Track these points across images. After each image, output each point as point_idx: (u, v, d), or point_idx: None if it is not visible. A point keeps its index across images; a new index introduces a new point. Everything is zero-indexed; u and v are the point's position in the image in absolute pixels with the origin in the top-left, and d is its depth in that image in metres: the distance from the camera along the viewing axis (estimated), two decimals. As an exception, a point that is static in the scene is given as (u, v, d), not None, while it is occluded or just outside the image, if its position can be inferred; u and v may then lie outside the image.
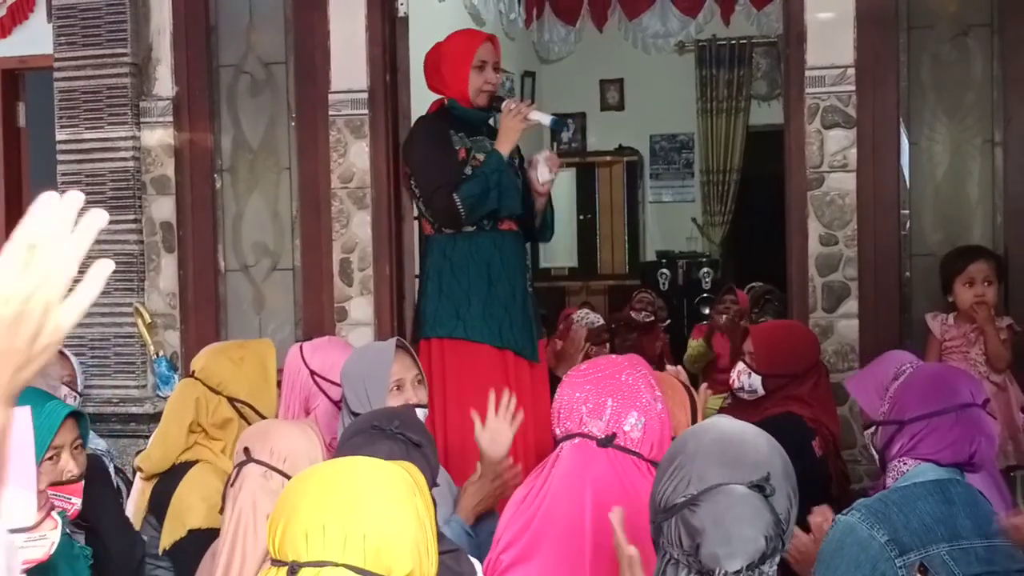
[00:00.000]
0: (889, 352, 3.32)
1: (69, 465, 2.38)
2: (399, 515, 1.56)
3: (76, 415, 2.45)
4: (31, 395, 2.14)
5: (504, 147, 3.87)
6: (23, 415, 1.79)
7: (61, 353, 4.26)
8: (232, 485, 2.41)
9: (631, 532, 1.87)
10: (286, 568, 1.53)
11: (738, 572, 1.64)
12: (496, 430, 2.83)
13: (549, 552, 2.13)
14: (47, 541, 2.08)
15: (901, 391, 2.57)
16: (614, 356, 2.45)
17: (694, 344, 6.52)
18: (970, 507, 2.33)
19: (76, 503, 2.40)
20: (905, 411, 2.48)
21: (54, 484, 2.36)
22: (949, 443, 2.40)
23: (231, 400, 3.07)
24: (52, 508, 2.16)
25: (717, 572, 1.65)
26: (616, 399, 2.23)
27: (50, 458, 2.35)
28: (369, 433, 2.28)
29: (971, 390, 2.50)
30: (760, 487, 1.67)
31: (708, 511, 1.66)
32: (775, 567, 1.71)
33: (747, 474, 1.68)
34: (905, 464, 2.46)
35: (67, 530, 2.52)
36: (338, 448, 2.32)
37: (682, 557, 1.68)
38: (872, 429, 2.73)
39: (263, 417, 3.00)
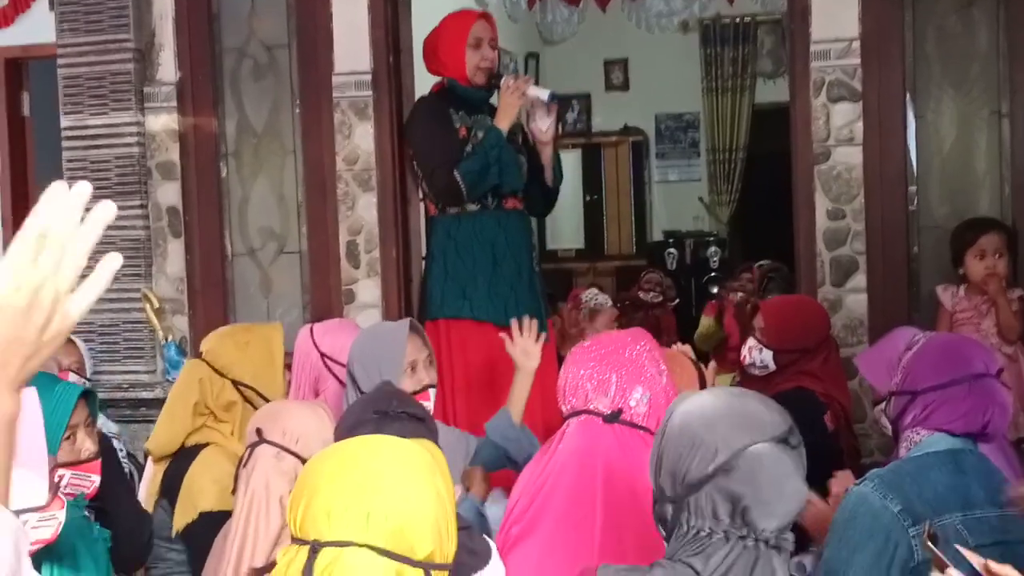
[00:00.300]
0: (897, 329, 3.30)
1: (86, 444, 2.41)
2: (421, 495, 1.55)
3: (85, 395, 2.46)
4: (39, 378, 2.14)
5: (503, 123, 3.87)
6: (30, 395, 1.80)
7: (68, 339, 4.26)
8: (245, 466, 2.42)
9: (641, 509, 1.85)
10: (307, 547, 1.52)
11: (781, 527, 1.65)
12: (525, 345, 3.14)
13: (556, 524, 2.13)
14: (56, 521, 2.09)
15: (914, 361, 2.55)
16: (618, 331, 2.45)
17: (705, 322, 6.50)
18: (983, 477, 2.33)
19: (96, 480, 2.44)
20: (918, 381, 2.47)
21: (72, 463, 2.38)
22: (962, 413, 2.39)
23: (235, 383, 3.07)
24: (59, 488, 2.17)
25: (766, 531, 1.64)
26: (621, 374, 2.23)
27: (67, 438, 2.37)
28: (373, 420, 2.27)
29: (984, 360, 2.48)
30: (785, 440, 1.68)
31: (747, 473, 1.66)
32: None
33: (769, 432, 1.69)
34: (918, 434, 2.45)
35: (85, 512, 2.55)
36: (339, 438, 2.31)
37: (716, 527, 1.67)
38: (883, 404, 2.72)
39: (268, 401, 3.00)
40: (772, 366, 3.64)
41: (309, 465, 1.63)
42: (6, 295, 1.06)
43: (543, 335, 3.21)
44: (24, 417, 1.62)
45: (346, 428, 2.24)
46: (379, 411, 2.30)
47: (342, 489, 1.53)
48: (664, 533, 1.77)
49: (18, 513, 1.63)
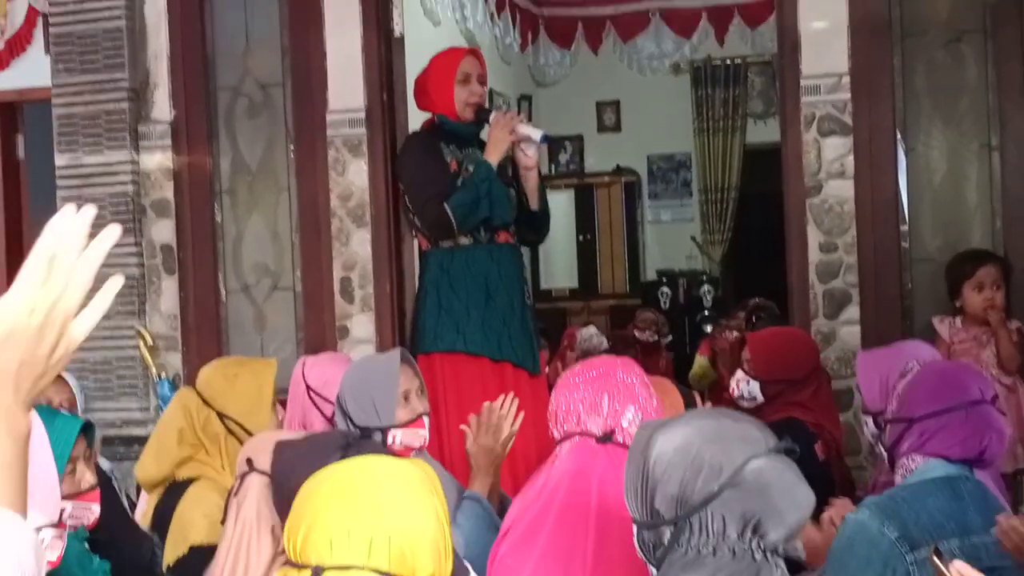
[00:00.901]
0: (906, 342, 3.31)
1: (86, 475, 2.42)
2: (421, 516, 1.56)
3: (84, 427, 2.47)
4: (41, 412, 2.17)
5: (492, 157, 3.89)
6: (32, 417, 1.81)
7: (59, 376, 4.25)
8: (236, 495, 2.40)
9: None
10: (309, 571, 1.52)
11: (789, 537, 1.64)
12: (496, 426, 2.80)
13: (549, 545, 2.12)
14: (61, 543, 2.12)
15: (910, 388, 2.56)
16: (607, 356, 2.45)
17: (699, 361, 6.51)
18: (980, 502, 2.32)
19: (96, 510, 2.45)
20: (914, 408, 2.47)
21: (73, 495, 2.38)
22: (959, 440, 2.39)
23: (220, 415, 3.05)
24: (61, 519, 2.17)
25: (780, 541, 1.64)
26: (612, 395, 2.23)
27: (68, 471, 2.38)
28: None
29: (980, 387, 2.49)
30: (781, 451, 1.68)
31: (757, 487, 1.64)
32: None
33: (763, 445, 1.68)
34: (913, 461, 2.45)
35: (85, 545, 2.54)
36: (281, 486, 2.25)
37: (723, 544, 1.64)
38: (869, 419, 2.72)
39: (252, 436, 2.98)
40: (760, 398, 3.64)
41: (305, 489, 1.62)
42: (20, 317, 1.09)
43: (519, 418, 2.87)
44: (32, 437, 1.67)
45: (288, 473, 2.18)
46: (342, 447, 2.28)
47: (343, 514, 1.53)
48: (651, 558, 1.73)
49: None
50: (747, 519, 1.64)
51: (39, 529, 1.94)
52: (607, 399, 2.22)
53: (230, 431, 3.02)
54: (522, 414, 2.86)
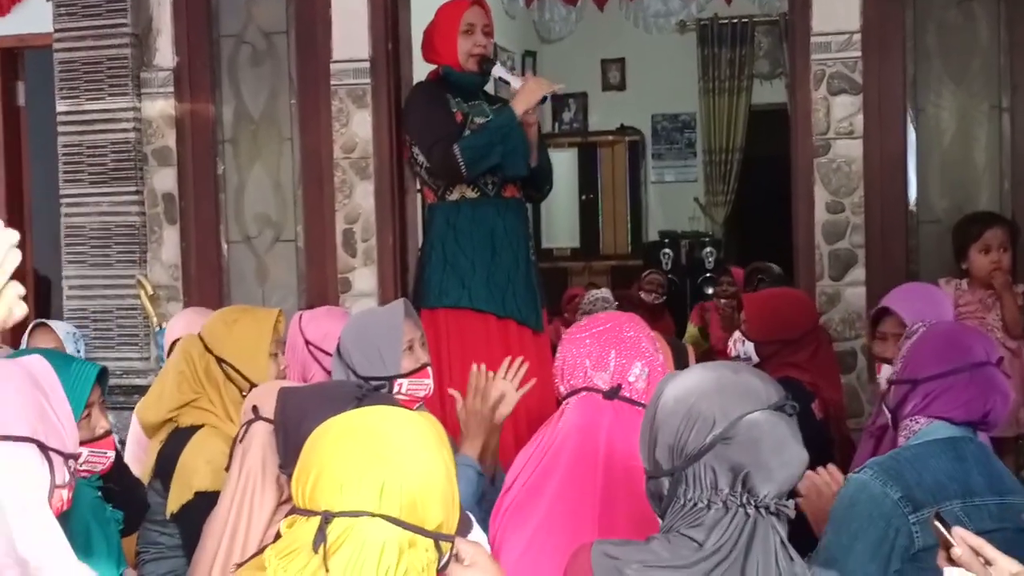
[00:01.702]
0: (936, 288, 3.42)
1: (101, 421, 2.47)
2: (432, 466, 1.56)
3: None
4: (55, 357, 2.19)
5: (519, 106, 3.84)
6: (43, 364, 1.90)
7: (45, 326, 4.25)
8: (241, 442, 2.40)
9: (640, 485, 1.83)
10: (318, 517, 1.51)
11: (780, 494, 1.65)
12: (498, 388, 2.76)
13: (555, 499, 2.13)
14: (107, 458, 2.46)
15: (915, 350, 2.55)
16: (612, 312, 2.44)
17: (690, 330, 6.55)
18: (983, 464, 2.32)
19: (111, 456, 2.51)
20: (919, 370, 2.46)
21: (89, 441, 2.42)
22: (963, 402, 2.38)
23: (219, 360, 3.05)
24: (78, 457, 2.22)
25: (766, 497, 1.64)
26: (619, 351, 2.24)
27: (85, 417, 2.41)
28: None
29: (985, 348, 2.47)
30: (781, 408, 1.69)
31: (747, 440, 1.66)
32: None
33: (764, 401, 1.69)
34: (917, 423, 2.44)
35: (98, 494, 2.56)
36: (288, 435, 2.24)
37: (715, 497, 1.67)
38: (885, 374, 2.72)
39: (251, 383, 2.98)
40: (755, 358, 3.64)
41: (315, 436, 1.61)
42: None
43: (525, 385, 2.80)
44: (51, 381, 1.77)
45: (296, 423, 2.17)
46: (358, 397, 2.28)
47: (354, 460, 1.53)
48: (658, 509, 1.77)
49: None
50: (736, 473, 1.66)
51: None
52: (614, 354, 2.22)
53: (228, 377, 3.01)
54: (532, 381, 2.82)
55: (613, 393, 2.18)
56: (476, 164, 3.81)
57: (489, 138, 3.80)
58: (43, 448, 1.74)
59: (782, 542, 1.66)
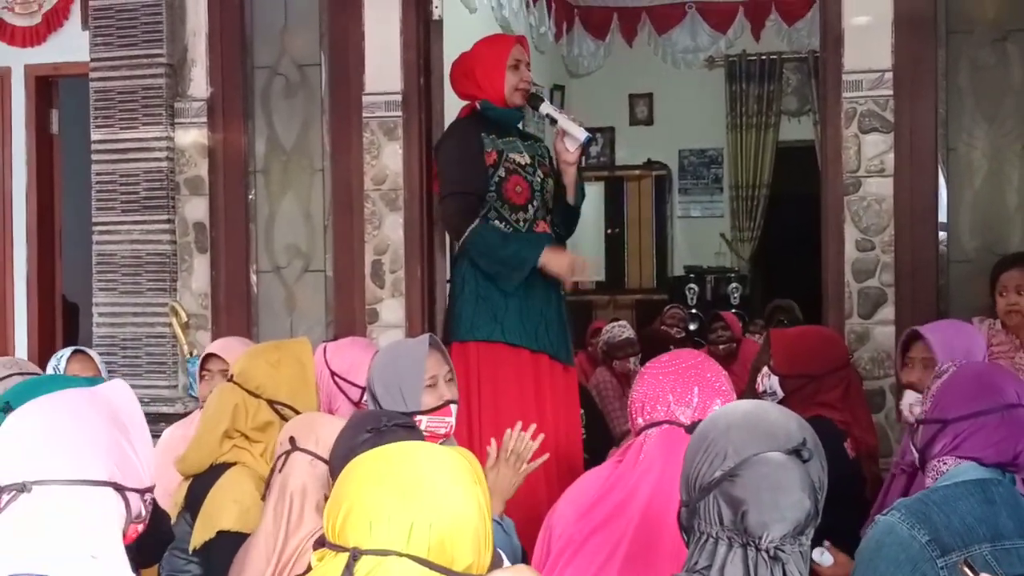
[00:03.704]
0: (970, 325, 3.39)
1: None
2: (464, 505, 1.54)
3: None
4: (86, 382, 2.19)
5: (543, 261, 3.86)
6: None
7: (85, 353, 4.26)
8: (280, 471, 2.42)
9: None
10: (347, 553, 1.50)
11: (784, 537, 1.64)
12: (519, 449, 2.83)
13: (643, 515, 2.19)
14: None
15: (944, 390, 2.52)
16: (691, 350, 2.51)
17: None
18: (1012, 507, 2.28)
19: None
20: (949, 410, 2.43)
21: None
22: (994, 443, 2.35)
23: (271, 403, 3.04)
24: None
25: (763, 539, 1.65)
26: (702, 387, 2.33)
27: None
28: (369, 439, 2.24)
29: (1017, 390, 2.44)
30: (797, 452, 1.69)
31: (750, 480, 1.67)
32: (810, 539, 1.71)
33: (781, 443, 1.70)
34: (945, 464, 2.41)
35: None
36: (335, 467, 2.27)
37: (722, 533, 1.69)
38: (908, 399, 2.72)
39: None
40: (780, 392, 3.62)
41: (348, 469, 1.60)
42: None
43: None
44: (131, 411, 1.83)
45: (341, 455, 2.21)
46: (372, 428, 2.30)
47: (384, 497, 1.52)
48: (685, 539, 1.79)
49: None
50: (735, 509, 1.67)
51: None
52: (697, 391, 2.31)
53: (282, 416, 2.99)
54: (545, 455, 2.88)
55: (695, 427, 2.21)
56: (478, 255, 3.87)
57: (503, 254, 3.85)
58: (119, 488, 1.75)
59: None
